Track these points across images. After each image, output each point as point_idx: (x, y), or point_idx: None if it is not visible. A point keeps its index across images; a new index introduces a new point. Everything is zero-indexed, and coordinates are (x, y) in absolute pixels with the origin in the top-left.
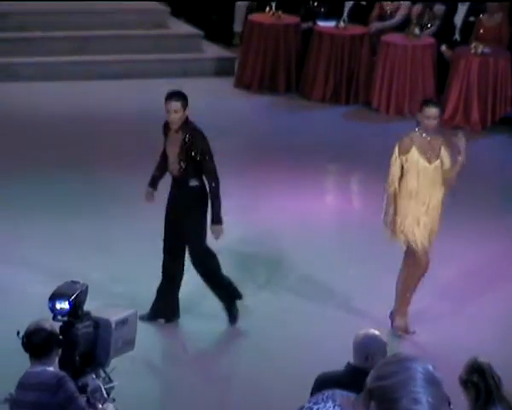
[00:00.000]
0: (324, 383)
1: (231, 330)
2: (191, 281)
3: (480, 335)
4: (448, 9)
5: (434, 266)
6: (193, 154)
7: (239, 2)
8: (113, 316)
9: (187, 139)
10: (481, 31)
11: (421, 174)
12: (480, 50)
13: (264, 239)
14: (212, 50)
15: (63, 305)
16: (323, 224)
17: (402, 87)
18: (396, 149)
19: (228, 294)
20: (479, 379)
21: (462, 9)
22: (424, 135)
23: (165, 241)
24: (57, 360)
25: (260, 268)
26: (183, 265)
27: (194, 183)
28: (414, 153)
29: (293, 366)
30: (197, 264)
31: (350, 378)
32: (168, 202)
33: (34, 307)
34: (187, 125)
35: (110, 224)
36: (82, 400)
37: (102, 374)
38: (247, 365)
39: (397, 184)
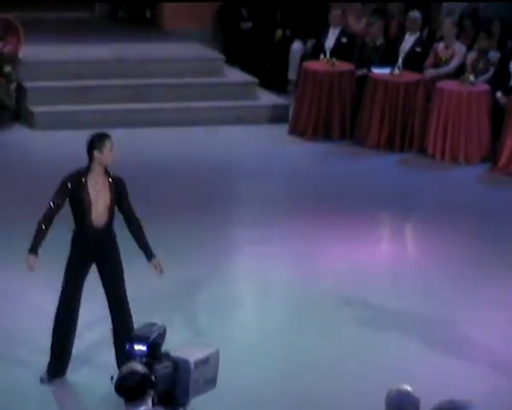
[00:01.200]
0: None
1: None
2: None
3: None
4: (503, 56)
5: None
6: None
7: (293, 49)
8: (193, 356)
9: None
10: None
11: None
12: None
13: (317, 285)
14: (267, 98)
15: (141, 347)
16: (377, 272)
17: (457, 134)
18: None
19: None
20: None
21: None
22: None
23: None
24: (150, 401)
25: (316, 314)
26: None
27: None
28: None
29: None
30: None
31: None
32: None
33: None
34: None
35: None
36: None
37: None
38: None
39: None
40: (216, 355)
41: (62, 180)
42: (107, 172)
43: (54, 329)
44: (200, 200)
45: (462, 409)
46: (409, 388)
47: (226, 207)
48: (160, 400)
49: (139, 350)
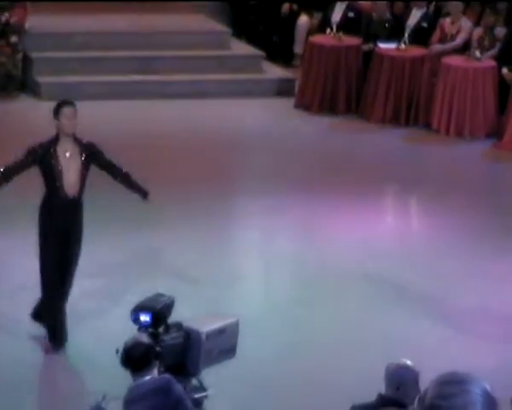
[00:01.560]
0: None
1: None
2: None
3: None
4: (510, 32)
5: None
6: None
7: (300, 23)
8: (206, 327)
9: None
10: None
11: None
12: None
13: (322, 259)
14: (273, 71)
15: (146, 317)
16: (383, 245)
17: (462, 109)
18: None
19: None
20: None
21: None
22: None
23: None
24: (156, 371)
25: (321, 288)
26: None
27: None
28: None
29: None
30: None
31: (381, 409)
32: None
33: None
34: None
35: None
36: (188, 401)
37: (196, 383)
38: None
39: None
40: (235, 326)
41: (32, 145)
42: (77, 140)
43: (42, 300)
44: (207, 171)
45: (465, 382)
46: (408, 362)
47: (232, 178)
48: (169, 369)
49: (144, 320)
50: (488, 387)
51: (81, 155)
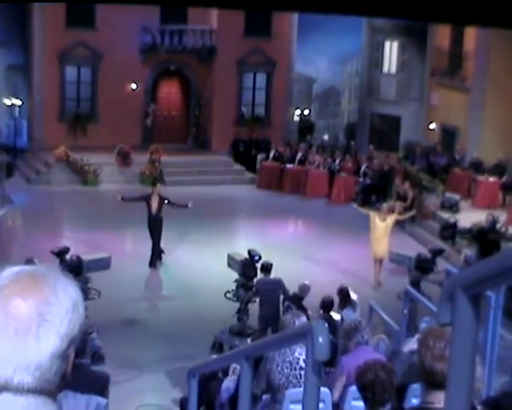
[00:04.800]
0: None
1: None
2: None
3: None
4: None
5: None
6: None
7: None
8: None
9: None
10: None
11: None
12: None
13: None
14: (248, 175)
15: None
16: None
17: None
18: None
19: None
20: None
21: None
22: None
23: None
24: None
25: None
26: None
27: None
28: None
29: None
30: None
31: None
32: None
33: None
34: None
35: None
36: None
37: None
38: None
39: None
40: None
41: (142, 194)
42: (159, 194)
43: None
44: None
45: (358, 330)
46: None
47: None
48: None
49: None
50: None
51: (159, 199)
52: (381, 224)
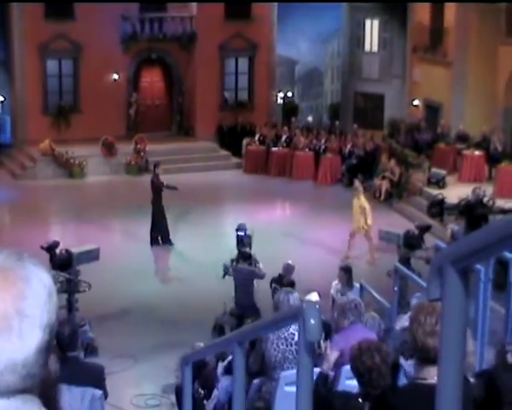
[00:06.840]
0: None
1: None
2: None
3: None
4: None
5: None
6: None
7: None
8: None
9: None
10: None
11: None
12: None
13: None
14: (234, 159)
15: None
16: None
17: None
18: None
19: None
20: None
21: None
22: None
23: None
24: None
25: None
26: None
27: None
28: None
29: None
30: None
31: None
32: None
33: None
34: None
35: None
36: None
37: None
38: None
39: None
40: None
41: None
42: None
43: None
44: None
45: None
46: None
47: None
48: None
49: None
50: None
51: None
52: (354, 201)
